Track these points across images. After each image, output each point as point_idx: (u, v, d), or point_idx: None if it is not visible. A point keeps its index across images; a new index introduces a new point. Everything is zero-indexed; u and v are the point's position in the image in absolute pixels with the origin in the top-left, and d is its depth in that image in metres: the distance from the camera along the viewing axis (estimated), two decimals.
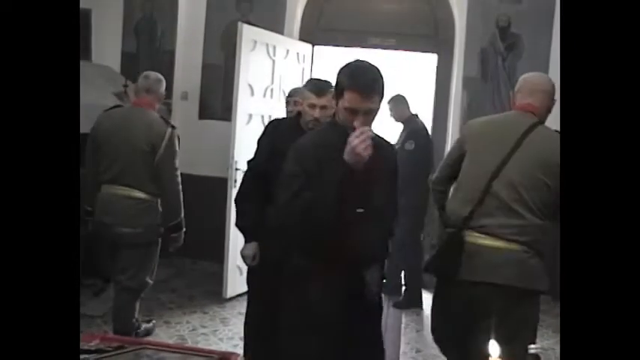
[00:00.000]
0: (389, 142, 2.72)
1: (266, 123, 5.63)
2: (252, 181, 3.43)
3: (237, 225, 3.49)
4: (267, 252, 3.33)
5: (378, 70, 2.41)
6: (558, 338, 4.92)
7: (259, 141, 3.52)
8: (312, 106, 3.22)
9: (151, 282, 4.04)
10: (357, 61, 2.49)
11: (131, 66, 6.18)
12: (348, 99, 2.35)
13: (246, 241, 3.45)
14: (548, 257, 2.78)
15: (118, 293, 4.01)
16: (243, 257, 3.45)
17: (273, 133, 3.47)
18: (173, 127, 3.93)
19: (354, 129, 2.29)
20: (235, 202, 3.53)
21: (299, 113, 3.42)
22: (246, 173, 3.57)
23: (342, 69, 2.44)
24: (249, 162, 3.56)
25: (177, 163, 3.91)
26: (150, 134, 3.81)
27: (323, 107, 3.19)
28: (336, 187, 2.29)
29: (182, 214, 3.96)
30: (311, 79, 3.49)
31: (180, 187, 3.94)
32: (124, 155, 3.81)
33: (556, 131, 2.70)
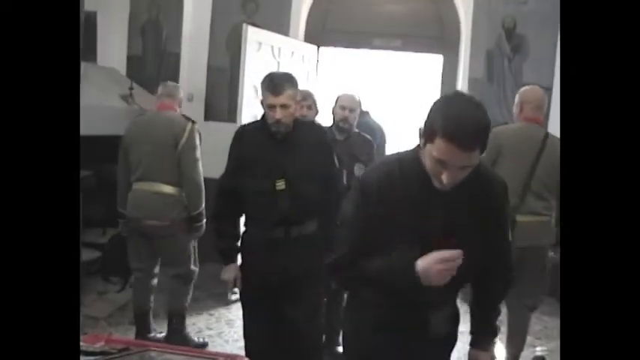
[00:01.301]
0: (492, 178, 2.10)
1: None
2: (225, 198, 3.11)
3: (216, 247, 3.19)
4: (254, 271, 3.07)
5: (484, 113, 1.81)
6: None
7: (229, 153, 3.14)
8: (271, 106, 2.90)
9: (195, 269, 4.30)
10: (458, 95, 1.90)
11: (136, 68, 6.20)
12: (440, 148, 1.77)
13: (225, 263, 3.18)
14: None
15: (168, 282, 4.28)
16: (224, 282, 3.23)
17: (240, 142, 3.08)
18: (193, 122, 4.14)
19: (440, 181, 1.84)
20: (213, 223, 3.25)
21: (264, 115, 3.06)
22: (218, 191, 3.19)
23: (437, 105, 1.86)
24: (220, 178, 3.21)
25: (199, 155, 4.11)
26: (172, 129, 4.05)
27: (284, 106, 2.89)
28: (410, 263, 1.87)
29: (203, 205, 4.13)
30: (269, 73, 3.04)
31: (202, 178, 4.13)
32: (149, 152, 4.05)
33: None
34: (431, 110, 1.85)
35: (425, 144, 1.85)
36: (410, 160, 1.98)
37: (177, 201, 4.09)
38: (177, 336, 4.20)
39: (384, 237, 1.95)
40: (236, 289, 3.38)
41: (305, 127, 3.13)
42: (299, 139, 3.02)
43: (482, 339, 2.23)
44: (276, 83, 2.90)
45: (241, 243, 3.18)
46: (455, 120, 1.75)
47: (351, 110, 4.06)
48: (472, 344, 2.23)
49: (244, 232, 3.15)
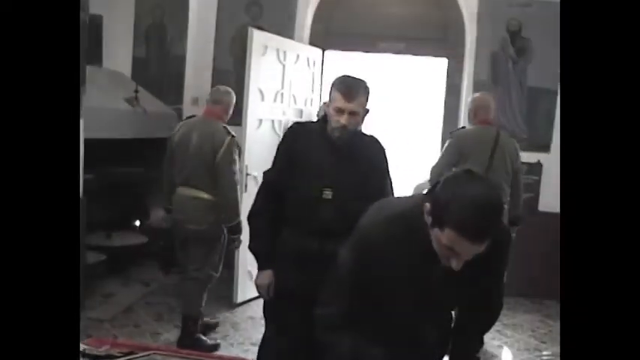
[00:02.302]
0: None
1: (276, 128, 5.71)
2: (267, 196, 2.91)
3: (250, 248, 3.00)
4: (284, 281, 2.84)
5: (497, 197, 1.78)
6: None
7: (277, 149, 2.96)
8: (340, 110, 2.70)
9: (215, 275, 4.41)
10: (470, 179, 1.76)
11: (142, 71, 6.22)
12: (450, 238, 1.70)
13: (259, 268, 2.94)
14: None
15: (187, 282, 4.42)
16: (257, 287, 2.93)
17: (294, 141, 2.88)
18: (233, 135, 4.24)
19: (449, 263, 1.76)
20: (248, 221, 3.01)
21: (325, 117, 2.85)
22: (260, 187, 3.01)
23: (448, 188, 1.75)
24: (265, 173, 3.03)
25: (236, 169, 4.22)
26: (213, 142, 4.18)
27: (353, 113, 2.71)
28: None
29: (239, 218, 4.23)
30: (343, 76, 2.82)
31: (238, 192, 4.24)
32: (191, 160, 4.23)
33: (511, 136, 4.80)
34: (441, 192, 1.75)
35: (433, 226, 1.76)
36: (415, 221, 1.85)
37: (213, 207, 4.22)
38: (190, 338, 4.27)
39: (378, 296, 1.95)
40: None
41: (364, 138, 2.92)
42: (355, 150, 2.83)
43: None
44: (350, 87, 2.71)
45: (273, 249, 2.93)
46: (467, 212, 1.66)
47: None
48: None
49: (278, 239, 2.89)
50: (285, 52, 5.57)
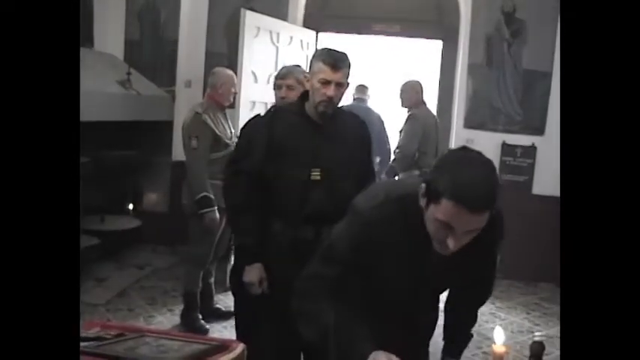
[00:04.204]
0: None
1: None
2: (249, 187, 2.71)
3: (236, 244, 2.85)
4: (279, 274, 2.60)
5: (495, 171, 1.68)
6: None
7: (253, 136, 2.78)
8: (326, 82, 2.59)
9: (200, 252, 4.40)
10: (467, 151, 1.71)
11: (134, 53, 6.17)
12: (447, 210, 1.60)
13: (247, 263, 2.72)
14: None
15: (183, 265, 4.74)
16: (248, 285, 2.71)
17: (271, 126, 2.72)
18: (197, 112, 4.31)
19: (444, 246, 1.68)
20: (230, 217, 2.89)
21: (303, 95, 2.76)
22: (239, 179, 2.76)
23: (444, 161, 1.71)
24: (235, 162, 2.84)
25: (195, 144, 4.27)
26: (184, 122, 4.42)
27: (339, 84, 2.62)
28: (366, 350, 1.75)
29: (203, 193, 4.23)
30: (324, 48, 2.74)
31: (197, 165, 4.26)
32: None
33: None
34: (436, 167, 1.69)
35: (427, 205, 1.68)
36: (412, 205, 1.77)
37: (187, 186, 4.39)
38: (187, 319, 4.40)
39: (369, 276, 1.91)
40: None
41: (344, 115, 2.85)
42: (338, 127, 2.74)
43: (454, 347, 2.22)
44: (337, 57, 2.61)
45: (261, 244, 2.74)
46: (466, 178, 1.59)
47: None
48: (445, 352, 2.21)
49: (266, 231, 2.73)
50: (278, 34, 5.53)
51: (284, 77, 3.30)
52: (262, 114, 2.93)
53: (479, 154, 1.68)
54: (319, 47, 6.21)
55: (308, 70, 2.77)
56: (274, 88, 3.41)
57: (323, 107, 2.63)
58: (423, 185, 1.70)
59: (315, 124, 2.70)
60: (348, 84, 2.70)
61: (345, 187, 2.58)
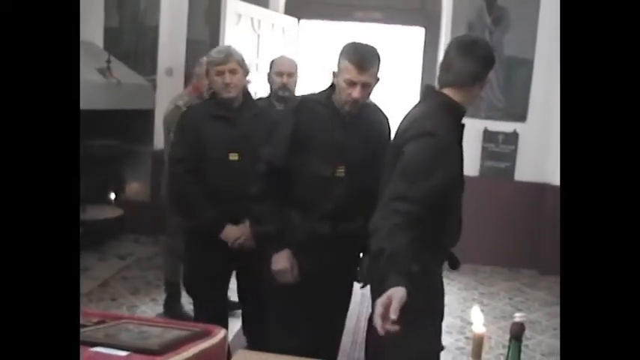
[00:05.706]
0: None
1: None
2: (270, 177, 2.65)
3: (260, 234, 2.75)
4: (308, 259, 2.62)
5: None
6: (545, 311, 4.98)
7: (281, 125, 2.69)
8: (351, 83, 2.48)
9: (179, 244, 4.13)
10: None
11: (114, 41, 6.10)
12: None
13: (275, 250, 2.64)
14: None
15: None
16: (279, 274, 2.63)
17: (299, 118, 2.62)
18: (177, 106, 4.15)
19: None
20: (249, 206, 2.74)
21: (332, 86, 2.64)
22: (260, 168, 2.68)
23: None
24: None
25: (172, 137, 4.06)
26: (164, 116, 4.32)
27: (365, 85, 2.50)
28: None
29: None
30: (351, 42, 2.57)
31: (169, 159, 4.06)
32: None
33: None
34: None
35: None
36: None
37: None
38: (171, 308, 4.39)
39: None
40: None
41: (369, 109, 2.75)
42: (363, 123, 2.67)
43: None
44: (364, 58, 2.47)
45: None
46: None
47: (290, 75, 3.75)
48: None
49: (286, 223, 2.68)
50: (259, 21, 5.50)
51: (224, 62, 3.01)
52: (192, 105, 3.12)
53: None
54: (301, 35, 6.20)
55: (336, 65, 2.60)
56: (214, 76, 3.03)
57: (348, 107, 2.56)
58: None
59: (343, 119, 2.63)
60: (378, 79, 2.60)
61: (366, 183, 2.57)
